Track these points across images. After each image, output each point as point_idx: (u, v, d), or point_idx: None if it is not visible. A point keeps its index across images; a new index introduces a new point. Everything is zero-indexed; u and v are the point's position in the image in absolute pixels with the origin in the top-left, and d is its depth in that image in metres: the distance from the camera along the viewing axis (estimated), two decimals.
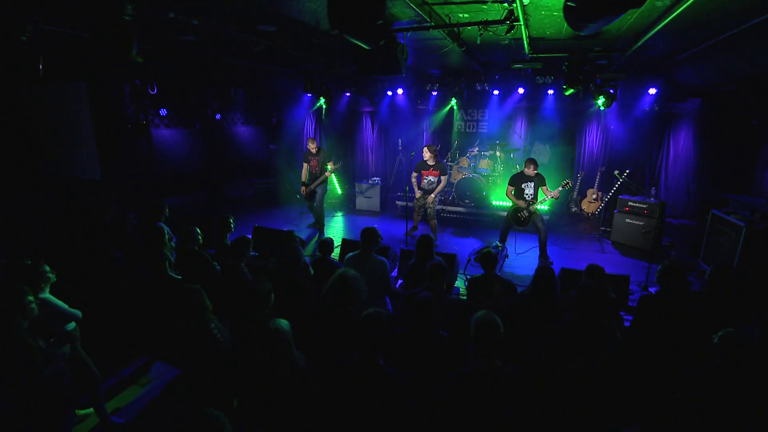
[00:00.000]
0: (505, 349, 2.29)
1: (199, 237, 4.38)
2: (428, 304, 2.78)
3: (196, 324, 2.80)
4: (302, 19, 3.87)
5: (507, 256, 5.84)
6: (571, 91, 5.44)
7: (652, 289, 4.64)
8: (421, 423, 2.32)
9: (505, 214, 5.97)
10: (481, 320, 2.33)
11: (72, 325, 3.32)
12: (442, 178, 6.37)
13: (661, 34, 4.13)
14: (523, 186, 5.69)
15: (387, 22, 3.76)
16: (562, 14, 3.42)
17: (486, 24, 3.68)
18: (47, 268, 3.35)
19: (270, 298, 3.11)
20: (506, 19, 3.54)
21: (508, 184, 5.80)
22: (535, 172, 5.61)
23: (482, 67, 6.87)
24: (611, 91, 5.72)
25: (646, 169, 7.93)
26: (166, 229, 4.62)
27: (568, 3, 1.75)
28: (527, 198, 5.69)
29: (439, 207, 7.81)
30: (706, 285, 3.24)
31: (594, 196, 7.88)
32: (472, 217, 7.74)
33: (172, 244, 4.78)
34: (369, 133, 10.30)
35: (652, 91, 6.55)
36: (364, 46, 2.62)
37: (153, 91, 7.25)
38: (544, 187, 5.66)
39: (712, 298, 3.16)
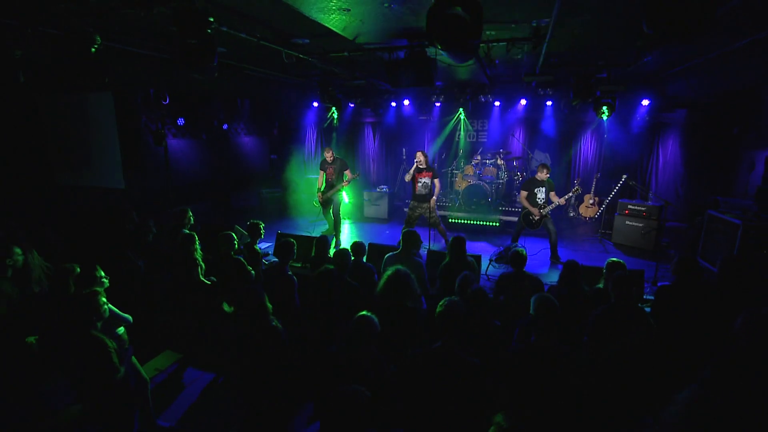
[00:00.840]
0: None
1: (235, 242, 4.55)
2: (483, 296, 3.08)
3: (260, 324, 2.94)
4: (341, 33, 4.16)
5: None
6: (578, 101, 5.90)
7: (661, 284, 5.06)
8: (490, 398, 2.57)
9: (509, 219, 6.35)
10: (541, 300, 2.64)
11: (122, 329, 3.43)
12: (435, 181, 6.41)
13: (659, 49, 4.62)
14: (535, 191, 6.07)
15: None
16: (580, 32, 3.84)
17: (514, 41, 4.06)
18: (101, 273, 3.49)
19: (332, 296, 3.34)
20: (533, 36, 3.93)
21: (522, 189, 6.18)
22: (548, 176, 5.99)
23: (488, 79, 7.31)
24: (609, 101, 6.23)
25: (638, 175, 8.49)
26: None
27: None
28: (539, 202, 6.06)
29: (446, 213, 8.15)
30: (718, 275, 3.63)
31: (591, 201, 8.37)
32: (478, 222, 8.09)
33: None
34: (371, 143, 10.62)
35: (645, 102, 7.13)
36: (450, 62, 2.90)
37: (165, 101, 7.38)
38: (552, 193, 6.07)
39: (725, 286, 3.54)
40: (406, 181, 6.64)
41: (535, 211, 6.01)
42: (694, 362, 2.92)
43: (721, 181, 7.40)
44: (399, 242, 4.47)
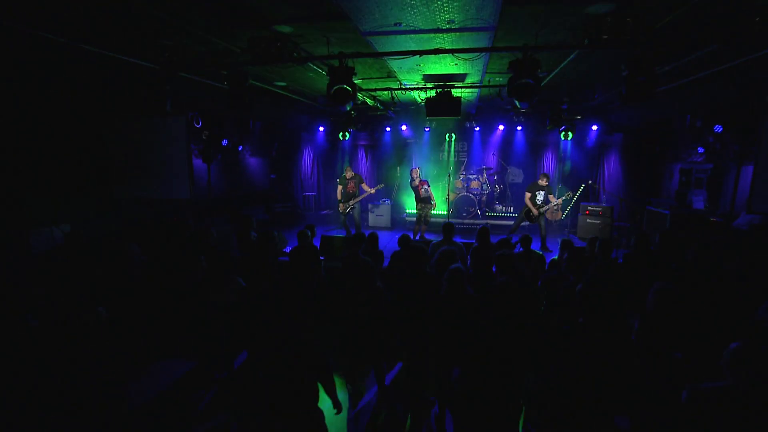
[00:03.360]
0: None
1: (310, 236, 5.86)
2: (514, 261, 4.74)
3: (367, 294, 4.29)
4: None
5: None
6: (552, 127, 7.97)
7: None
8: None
9: (495, 222, 8.20)
10: (563, 242, 4.33)
11: None
12: (427, 188, 8.64)
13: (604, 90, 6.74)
14: (536, 193, 7.95)
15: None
16: (572, 77, 5.77)
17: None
18: None
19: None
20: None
21: (527, 191, 8.05)
22: (547, 183, 7.92)
23: (476, 110, 9.28)
24: (570, 127, 8.39)
25: (594, 188, 10.82)
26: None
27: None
28: (538, 203, 7.94)
29: (441, 220, 9.89)
30: (659, 244, 5.58)
31: (555, 207, 10.51)
32: (468, 226, 9.89)
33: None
34: (363, 163, 12.20)
35: (594, 127, 9.44)
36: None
37: (198, 124, 8.54)
38: (551, 195, 8.02)
39: (663, 251, 5.47)
40: (412, 187, 8.50)
41: (534, 209, 7.89)
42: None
43: (651, 187, 9.83)
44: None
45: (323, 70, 4.96)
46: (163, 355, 3.73)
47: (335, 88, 4.12)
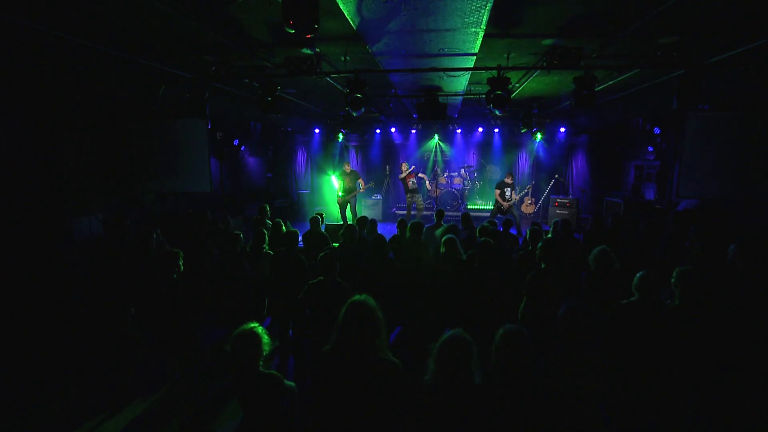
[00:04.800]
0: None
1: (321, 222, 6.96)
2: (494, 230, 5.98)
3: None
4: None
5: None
6: (525, 129, 9.30)
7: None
8: None
9: (476, 215, 9.47)
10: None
11: None
12: (414, 180, 10.19)
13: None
14: (505, 189, 9.26)
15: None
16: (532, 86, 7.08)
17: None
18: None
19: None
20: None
21: (496, 188, 9.36)
22: (511, 181, 9.24)
23: (456, 114, 10.56)
24: (540, 128, 9.76)
25: (562, 182, 12.26)
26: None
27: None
28: (507, 198, 9.25)
29: (429, 213, 11.13)
30: (612, 222, 6.92)
31: (529, 202, 11.89)
32: (452, 219, 11.13)
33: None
34: (354, 162, 13.35)
35: (562, 129, 10.86)
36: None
37: (209, 125, 9.53)
38: (513, 191, 9.33)
39: (617, 230, 6.81)
40: (400, 179, 9.78)
41: (504, 203, 9.20)
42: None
43: (613, 182, 11.31)
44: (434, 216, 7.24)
45: (335, 81, 6.13)
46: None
47: (351, 96, 5.27)
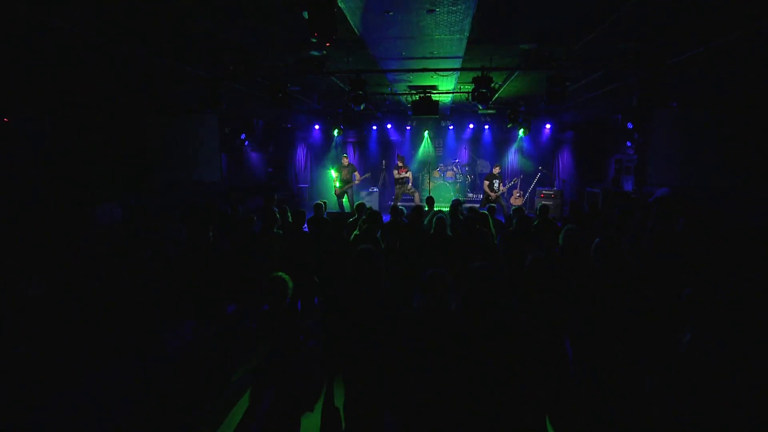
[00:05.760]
0: None
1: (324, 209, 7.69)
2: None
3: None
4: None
5: None
6: (512, 125, 10.08)
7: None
8: None
9: (466, 206, 10.26)
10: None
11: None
12: (409, 173, 11.03)
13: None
14: (493, 181, 10.05)
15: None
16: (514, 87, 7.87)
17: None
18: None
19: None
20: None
21: (485, 179, 10.14)
22: (499, 172, 10.03)
23: (449, 111, 11.33)
24: (527, 125, 10.55)
25: (547, 175, 13.07)
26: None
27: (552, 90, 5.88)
28: (495, 189, 10.04)
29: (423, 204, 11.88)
30: (589, 207, 7.71)
31: (518, 194, 12.69)
32: (446, 209, 11.89)
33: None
34: (352, 157, 14.07)
35: (548, 126, 11.67)
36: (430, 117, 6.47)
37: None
38: (501, 183, 10.12)
39: (595, 214, 7.60)
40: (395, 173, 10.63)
41: (491, 194, 9.98)
42: None
43: (597, 175, 12.14)
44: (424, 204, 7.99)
45: (337, 80, 6.89)
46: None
47: (353, 93, 6.01)
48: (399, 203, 10.93)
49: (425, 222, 6.70)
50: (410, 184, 11.25)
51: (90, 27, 4.54)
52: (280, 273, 3.35)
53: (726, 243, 5.73)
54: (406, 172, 11.08)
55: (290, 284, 3.32)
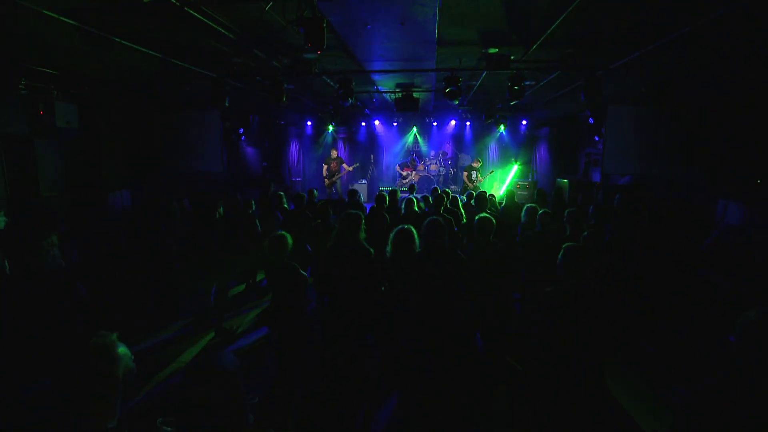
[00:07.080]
0: None
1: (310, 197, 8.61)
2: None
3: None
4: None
5: None
6: (489, 120, 11.06)
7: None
8: None
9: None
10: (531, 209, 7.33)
11: None
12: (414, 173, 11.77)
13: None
14: (472, 172, 11.04)
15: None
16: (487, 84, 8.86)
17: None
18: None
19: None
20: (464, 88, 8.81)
21: (464, 171, 11.13)
22: (478, 165, 11.02)
23: (432, 108, 12.29)
24: (504, 121, 11.54)
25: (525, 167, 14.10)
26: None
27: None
28: (473, 180, 11.02)
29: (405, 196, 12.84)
30: (535, 199, 8.70)
31: (496, 186, 13.69)
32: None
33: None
34: (342, 152, 15.00)
35: (524, 122, 12.68)
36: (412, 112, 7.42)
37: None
38: (479, 174, 11.11)
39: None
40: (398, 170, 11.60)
41: (470, 184, 10.96)
42: None
43: (571, 167, 13.17)
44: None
45: (328, 79, 7.82)
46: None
47: (342, 90, 6.94)
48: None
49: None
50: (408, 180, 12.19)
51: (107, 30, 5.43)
52: (282, 232, 4.25)
53: (671, 221, 6.86)
54: (411, 171, 11.97)
55: (290, 241, 4.22)
